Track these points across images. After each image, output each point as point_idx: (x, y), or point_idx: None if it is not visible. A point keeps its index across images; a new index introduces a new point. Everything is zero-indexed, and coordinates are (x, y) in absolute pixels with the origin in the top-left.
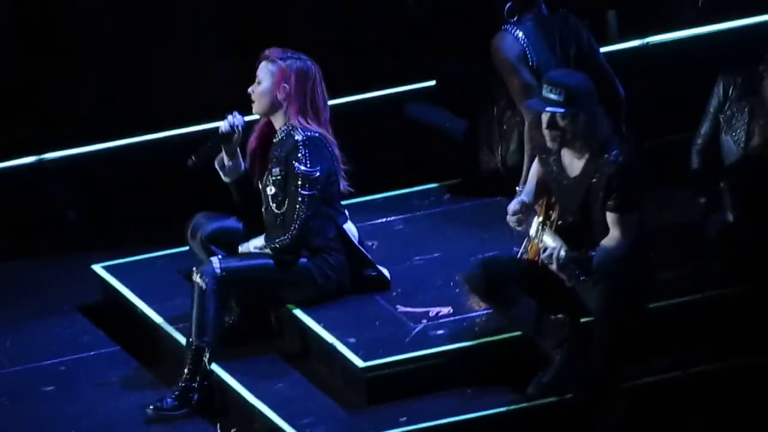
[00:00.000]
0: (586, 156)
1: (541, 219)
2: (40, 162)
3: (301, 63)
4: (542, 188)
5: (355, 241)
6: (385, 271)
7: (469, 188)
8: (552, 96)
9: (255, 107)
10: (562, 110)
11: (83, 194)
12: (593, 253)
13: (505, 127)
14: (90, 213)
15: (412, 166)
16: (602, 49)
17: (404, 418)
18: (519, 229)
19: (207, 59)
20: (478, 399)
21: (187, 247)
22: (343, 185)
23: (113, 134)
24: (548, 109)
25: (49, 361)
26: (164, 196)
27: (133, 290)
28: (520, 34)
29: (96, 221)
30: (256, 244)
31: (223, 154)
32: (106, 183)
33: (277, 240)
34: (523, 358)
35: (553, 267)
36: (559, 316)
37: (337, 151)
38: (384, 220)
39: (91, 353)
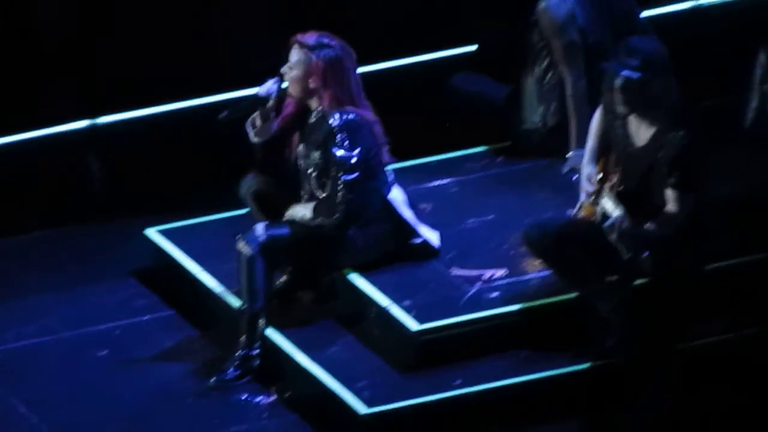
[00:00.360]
0: (655, 127)
1: (599, 179)
2: (92, 126)
3: (332, 52)
4: (603, 147)
5: (402, 208)
6: (434, 237)
7: (522, 150)
8: (629, 60)
9: (289, 89)
10: (638, 74)
11: (136, 158)
12: (649, 228)
13: (546, 87)
14: (142, 177)
15: (464, 129)
16: (653, 11)
17: (458, 381)
18: (593, 205)
19: (259, 27)
20: (534, 362)
21: (241, 210)
22: (386, 157)
23: (166, 97)
24: (624, 72)
25: (103, 326)
26: (219, 160)
27: (187, 254)
28: None
29: (148, 185)
30: (303, 214)
31: (257, 115)
32: (158, 147)
33: (323, 220)
34: (578, 320)
35: (612, 237)
36: (615, 277)
37: (377, 128)
38: (437, 183)
39: (146, 318)
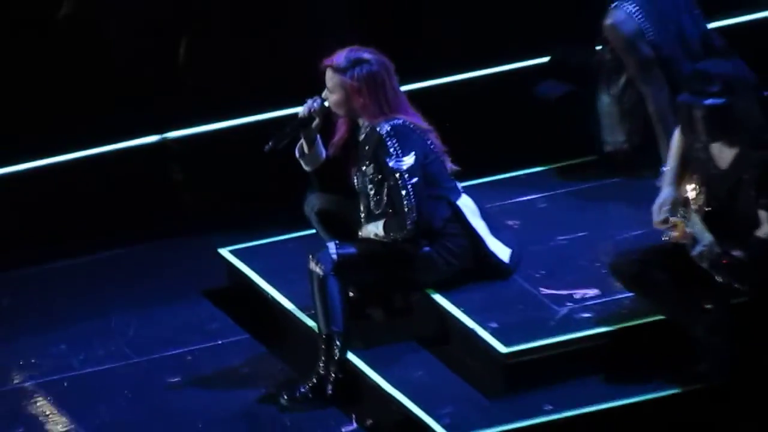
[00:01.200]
0: (738, 148)
1: (688, 197)
2: (162, 141)
3: (367, 68)
4: (685, 166)
5: (473, 218)
6: (505, 254)
7: (611, 166)
8: (708, 88)
9: (334, 110)
10: (719, 101)
11: (208, 175)
12: (741, 253)
13: (626, 106)
14: (215, 194)
15: (552, 143)
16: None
17: (549, 407)
18: (670, 229)
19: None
20: (627, 386)
21: (313, 230)
22: (449, 164)
23: (238, 112)
24: (705, 102)
25: (174, 351)
26: (292, 177)
27: (262, 274)
28: (632, 8)
29: (220, 203)
30: (376, 231)
31: (302, 140)
32: (231, 162)
33: (396, 234)
34: (673, 342)
35: (704, 265)
36: (710, 299)
37: (430, 136)
38: (526, 198)
39: (219, 342)
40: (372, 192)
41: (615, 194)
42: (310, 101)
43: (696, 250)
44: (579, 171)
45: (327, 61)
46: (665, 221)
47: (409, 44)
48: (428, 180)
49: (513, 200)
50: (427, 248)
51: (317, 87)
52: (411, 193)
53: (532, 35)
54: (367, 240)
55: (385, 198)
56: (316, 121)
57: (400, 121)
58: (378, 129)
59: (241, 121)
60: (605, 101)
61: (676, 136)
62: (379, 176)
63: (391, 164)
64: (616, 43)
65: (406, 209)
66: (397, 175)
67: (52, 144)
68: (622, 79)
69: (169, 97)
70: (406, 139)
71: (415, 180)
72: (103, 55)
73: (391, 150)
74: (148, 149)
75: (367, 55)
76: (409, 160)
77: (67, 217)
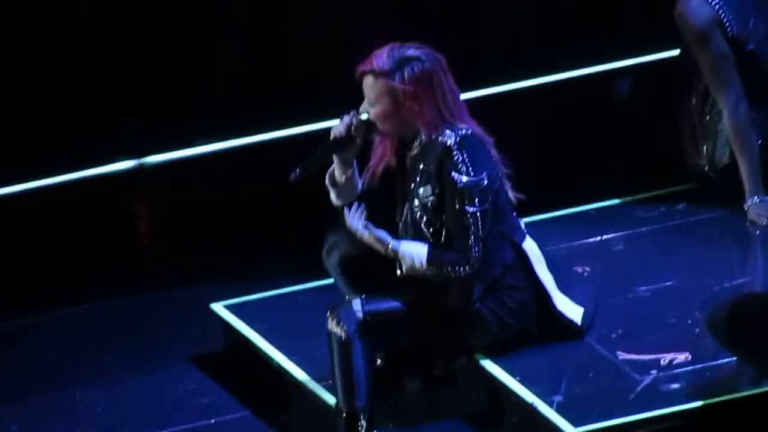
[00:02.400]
0: None
1: None
2: (140, 167)
3: (419, 67)
4: None
5: (539, 267)
6: (577, 314)
7: (711, 196)
8: None
9: (380, 126)
10: None
11: (197, 210)
12: None
13: (707, 117)
14: (205, 235)
15: (634, 168)
16: None
17: None
18: None
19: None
20: None
21: (330, 279)
22: (511, 193)
23: (231, 133)
24: None
25: None
26: (306, 211)
27: (265, 336)
28: None
29: (213, 246)
30: (421, 260)
31: (335, 165)
32: (227, 194)
33: (454, 267)
34: None
35: None
36: None
37: (494, 151)
38: (599, 238)
39: (212, 420)
40: (425, 220)
41: (712, 233)
42: (347, 116)
43: None
44: (669, 203)
45: (364, 66)
46: None
47: (459, 42)
48: (493, 211)
49: (581, 241)
50: (477, 303)
51: (340, 98)
52: (479, 219)
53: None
54: (403, 292)
55: (442, 227)
56: (357, 141)
57: (470, 131)
58: (443, 139)
59: (240, 141)
60: (684, 113)
61: None
62: (438, 200)
63: (459, 181)
64: (686, 36)
65: (472, 238)
66: (464, 196)
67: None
68: (703, 86)
69: (148, 116)
70: (478, 153)
71: (485, 207)
72: (67, 65)
73: (460, 164)
74: (124, 177)
75: (414, 52)
76: (482, 179)
77: (21, 263)
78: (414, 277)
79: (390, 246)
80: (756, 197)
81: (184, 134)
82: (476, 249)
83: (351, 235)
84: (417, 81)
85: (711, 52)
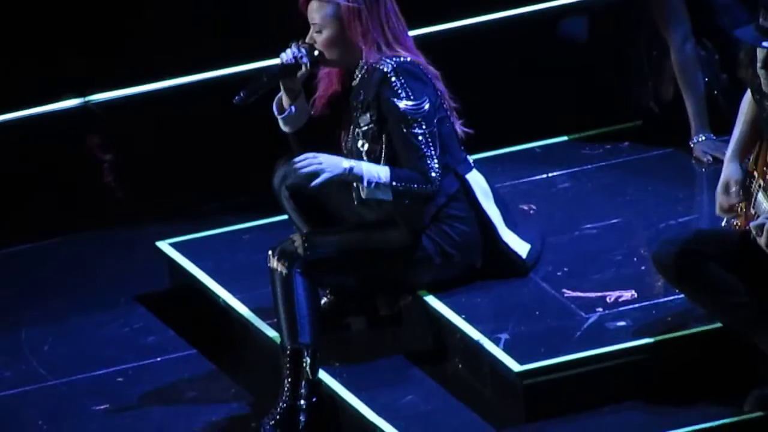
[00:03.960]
0: None
1: (756, 180)
2: (85, 105)
3: None
4: (755, 137)
5: (485, 200)
6: (524, 249)
7: (656, 133)
8: None
9: (327, 55)
10: None
11: (141, 147)
12: None
13: (654, 53)
14: (150, 172)
15: (578, 105)
16: None
17: None
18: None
19: None
20: (674, 412)
21: (277, 217)
22: (459, 127)
23: (175, 69)
24: (765, 44)
25: (101, 371)
26: (251, 145)
27: (211, 274)
28: None
29: (159, 184)
30: (378, 180)
31: (282, 93)
32: (170, 131)
33: (416, 187)
34: (733, 358)
35: (762, 241)
36: None
37: (440, 84)
38: (545, 176)
39: (158, 359)
40: (365, 149)
41: (657, 170)
42: (294, 46)
43: (755, 222)
44: (611, 140)
45: None
46: (732, 208)
47: None
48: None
49: (527, 178)
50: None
51: (281, 35)
52: (429, 139)
53: None
54: (347, 228)
55: (383, 155)
56: (303, 70)
57: (409, 59)
58: (380, 67)
59: (184, 79)
60: (633, 49)
61: (747, 96)
62: (377, 127)
63: (398, 107)
64: None
65: (427, 158)
66: (412, 119)
67: None
68: (649, 22)
69: (93, 54)
70: (417, 81)
71: (431, 129)
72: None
73: (399, 90)
74: (68, 116)
75: None
76: (422, 104)
77: None
78: (364, 210)
79: (352, 167)
80: (701, 135)
81: (128, 72)
82: (434, 167)
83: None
84: (361, 2)
85: None
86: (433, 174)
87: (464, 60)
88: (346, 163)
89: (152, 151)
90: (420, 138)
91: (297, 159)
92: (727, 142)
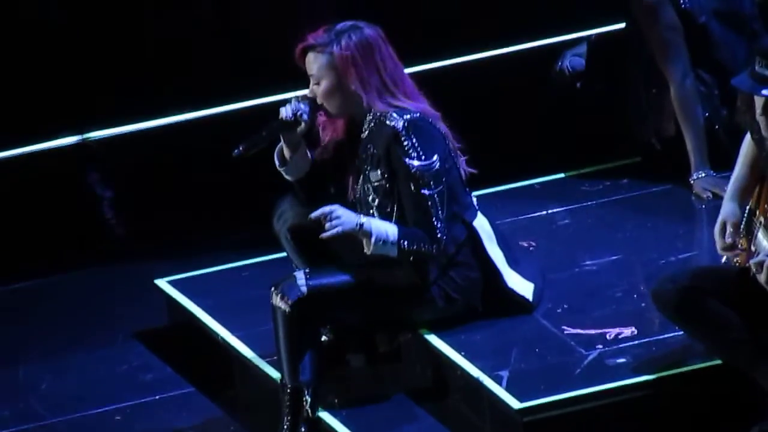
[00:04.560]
0: None
1: (757, 217)
2: (83, 142)
3: (356, 34)
4: (754, 179)
5: (489, 244)
6: (528, 290)
7: (656, 169)
8: None
9: (327, 107)
10: None
11: (142, 185)
12: None
13: (654, 90)
14: (151, 209)
15: (579, 142)
16: None
17: None
18: (736, 260)
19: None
20: None
21: (277, 254)
22: (463, 167)
23: (179, 106)
24: (765, 92)
25: (99, 409)
26: (251, 185)
27: (210, 311)
28: None
29: (158, 222)
30: (386, 238)
31: (282, 144)
32: (172, 170)
33: (421, 247)
34: (733, 394)
35: (762, 278)
36: None
37: (442, 125)
38: (545, 212)
39: (156, 397)
40: (376, 203)
41: (657, 206)
42: (294, 102)
43: (755, 259)
44: (611, 177)
45: (303, 44)
46: (732, 246)
47: (400, 20)
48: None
49: (527, 215)
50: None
51: (278, 72)
52: (437, 201)
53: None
54: (350, 266)
55: (394, 210)
56: (302, 125)
57: (417, 114)
58: (390, 123)
59: (182, 117)
60: (632, 83)
61: (748, 137)
62: (388, 184)
63: (411, 166)
64: (636, 8)
65: (434, 219)
66: (418, 180)
67: None
68: (648, 58)
69: (91, 91)
70: (427, 135)
71: (440, 189)
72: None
73: (410, 149)
74: (66, 152)
75: (350, 23)
76: (433, 163)
77: None
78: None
79: (363, 223)
80: (701, 171)
81: (127, 109)
82: (440, 229)
83: (304, 207)
84: (355, 46)
85: (660, 25)
86: (439, 235)
87: (462, 97)
88: (358, 219)
89: (151, 188)
90: (428, 199)
91: (318, 213)
92: (727, 178)
